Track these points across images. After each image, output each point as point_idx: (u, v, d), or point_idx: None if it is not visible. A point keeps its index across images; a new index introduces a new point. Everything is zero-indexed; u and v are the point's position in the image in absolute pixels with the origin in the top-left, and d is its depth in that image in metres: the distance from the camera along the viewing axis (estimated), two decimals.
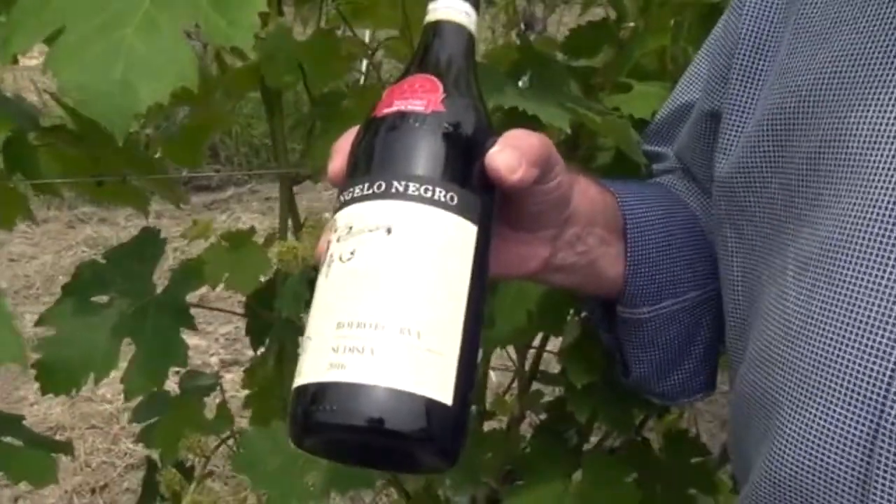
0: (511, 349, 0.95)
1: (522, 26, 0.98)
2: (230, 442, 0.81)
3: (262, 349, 0.85)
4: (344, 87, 0.85)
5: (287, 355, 0.79)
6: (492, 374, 1.01)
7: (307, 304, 0.73)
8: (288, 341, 0.77)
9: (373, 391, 0.37)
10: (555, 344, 0.89)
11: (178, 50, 0.51)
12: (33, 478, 0.72)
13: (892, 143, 0.44)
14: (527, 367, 0.98)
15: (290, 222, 0.79)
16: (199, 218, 0.89)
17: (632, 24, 0.86)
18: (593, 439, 0.96)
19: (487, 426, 0.97)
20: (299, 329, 0.79)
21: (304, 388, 0.39)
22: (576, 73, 0.86)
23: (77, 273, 0.74)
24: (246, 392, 0.91)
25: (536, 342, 0.93)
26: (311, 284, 0.71)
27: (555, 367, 0.96)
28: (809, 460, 0.44)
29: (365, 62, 0.86)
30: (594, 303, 0.68)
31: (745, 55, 0.59)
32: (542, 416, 0.96)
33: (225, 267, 0.75)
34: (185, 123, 0.87)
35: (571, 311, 0.84)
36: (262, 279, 0.81)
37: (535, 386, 0.98)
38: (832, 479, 0.43)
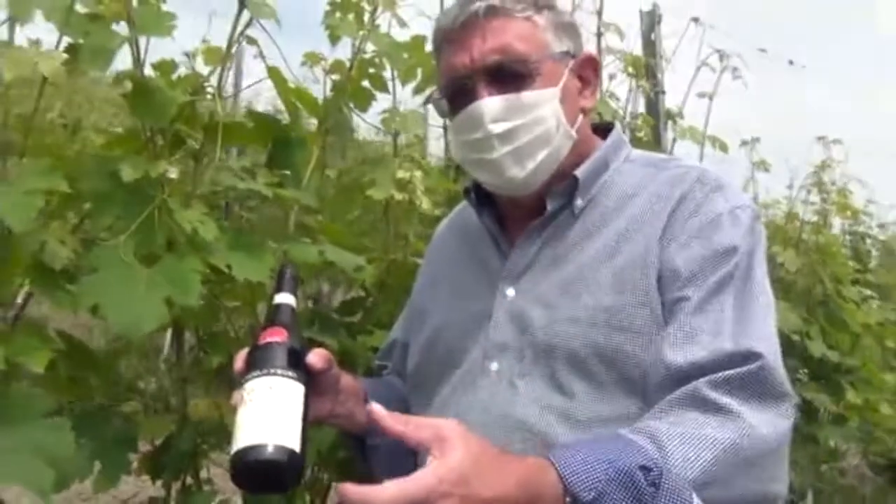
0: None
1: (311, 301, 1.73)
2: None
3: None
4: None
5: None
6: None
7: (195, 452, 1.34)
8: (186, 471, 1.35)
9: (266, 446, 0.84)
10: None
11: None
12: None
13: (473, 362, 1.18)
14: None
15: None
16: None
17: (365, 295, 1.65)
18: None
19: None
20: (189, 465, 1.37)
21: (237, 452, 0.85)
22: (345, 325, 1.60)
23: None
24: None
25: None
26: (200, 437, 1.32)
27: None
28: None
29: None
30: (354, 441, 1.33)
31: (416, 305, 1.34)
32: None
33: None
34: None
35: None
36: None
37: None
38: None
